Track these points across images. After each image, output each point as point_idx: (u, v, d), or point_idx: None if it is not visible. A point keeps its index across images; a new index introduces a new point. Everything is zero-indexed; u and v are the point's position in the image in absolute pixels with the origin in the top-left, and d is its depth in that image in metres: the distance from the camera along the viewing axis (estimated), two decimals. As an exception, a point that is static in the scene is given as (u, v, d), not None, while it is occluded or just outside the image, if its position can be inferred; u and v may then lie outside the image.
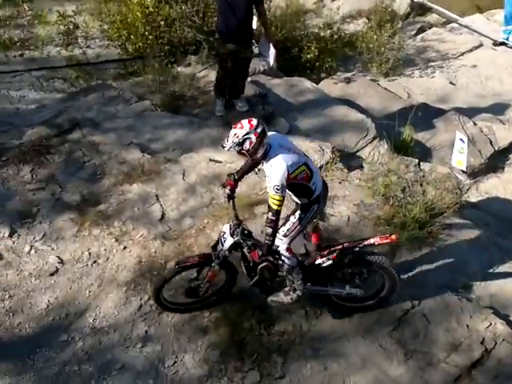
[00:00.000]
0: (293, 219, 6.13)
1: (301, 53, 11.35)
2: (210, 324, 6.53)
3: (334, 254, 6.26)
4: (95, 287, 6.84)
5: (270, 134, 5.88)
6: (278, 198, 5.73)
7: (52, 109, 9.31)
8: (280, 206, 5.78)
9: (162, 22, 10.57)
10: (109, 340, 6.40)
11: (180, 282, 6.62)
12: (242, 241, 6.13)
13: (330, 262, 6.27)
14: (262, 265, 6.18)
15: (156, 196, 7.87)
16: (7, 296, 6.73)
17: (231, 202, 6.27)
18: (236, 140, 5.71)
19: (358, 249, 6.30)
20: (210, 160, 8.41)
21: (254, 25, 8.93)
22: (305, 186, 5.99)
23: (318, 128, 9.29)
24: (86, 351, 6.29)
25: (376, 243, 6.29)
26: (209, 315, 6.59)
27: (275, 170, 5.72)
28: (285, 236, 6.14)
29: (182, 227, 7.51)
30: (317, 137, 8.96)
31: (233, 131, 5.76)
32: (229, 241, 6.14)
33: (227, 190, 6.34)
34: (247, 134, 5.69)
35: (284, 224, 6.15)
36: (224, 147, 5.80)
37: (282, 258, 6.20)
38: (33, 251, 7.19)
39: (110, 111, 9.28)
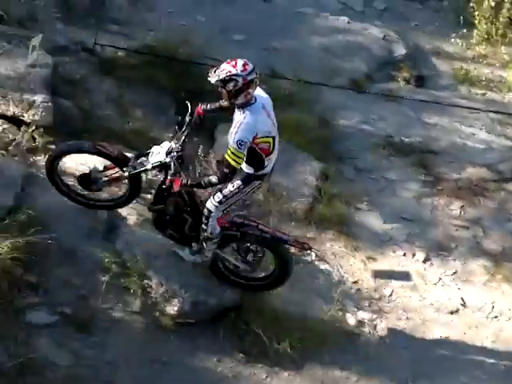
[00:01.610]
0: (231, 187, 5.71)
1: None
2: None
3: (242, 229, 5.98)
4: (489, 341, 6.72)
5: (262, 93, 5.57)
6: (238, 154, 5.37)
7: (498, 153, 9.31)
8: (238, 164, 5.44)
9: None
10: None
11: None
12: (172, 164, 5.65)
13: (236, 233, 6.01)
14: (171, 198, 5.86)
15: None
16: (404, 317, 6.99)
17: (189, 127, 5.84)
18: (222, 76, 5.29)
19: (267, 235, 5.96)
20: None
21: None
22: (260, 158, 5.62)
23: None
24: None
25: (288, 242, 6.05)
26: None
27: (246, 124, 5.36)
28: (220, 203, 5.77)
29: None
30: None
31: (224, 65, 5.35)
32: (159, 157, 5.68)
33: (190, 116, 5.86)
34: (236, 75, 5.27)
35: (221, 191, 5.75)
36: (209, 77, 5.40)
37: (209, 223, 5.84)
38: (440, 284, 7.35)
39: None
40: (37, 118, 6.85)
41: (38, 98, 6.89)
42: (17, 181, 6.34)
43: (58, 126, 6.96)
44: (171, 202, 5.94)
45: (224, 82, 5.32)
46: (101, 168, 6.08)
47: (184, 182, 5.68)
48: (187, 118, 5.87)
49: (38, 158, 6.78)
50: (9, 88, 6.93)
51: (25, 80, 7.04)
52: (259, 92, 5.58)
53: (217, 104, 5.94)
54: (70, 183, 6.33)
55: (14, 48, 7.38)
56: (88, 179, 6.07)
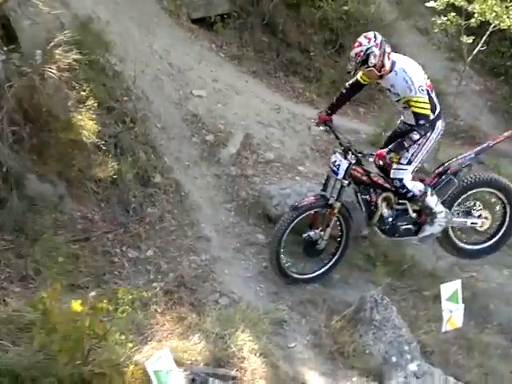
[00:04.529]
0: (416, 137, 5.60)
1: None
2: None
3: (452, 167, 5.90)
4: None
5: (396, 54, 5.71)
6: (424, 100, 5.46)
7: None
8: (429, 109, 5.50)
9: None
10: None
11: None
12: (358, 156, 5.75)
13: (450, 177, 5.88)
14: (382, 195, 5.83)
15: None
16: None
17: (332, 133, 6.01)
18: (359, 59, 5.49)
19: (473, 155, 5.91)
20: None
21: None
22: (430, 96, 5.63)
23: None
24: None
25: (491, 145, 5.95)
26: None
27: (413, 71, 5.50)
28: (409, 163, 5.75)
29: None
30: None
31: (353, 52, 5.54)
32: (344, 164, 5.69)
33: (322, 126, 6.05)
34: (368, 48, 5.45)
35: (407, 150, 5.69)
36: (349, 72, 5.64)
37: (409, 189, 5.81)
38: None
39: None
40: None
41: None
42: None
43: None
44: (382, 200, 5.97)
45: (365, 61, 5.55)
46: (311, 231, 6.01)
47: (386, 150, 5.75)
48: (322, 127, 6.17)
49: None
50: None
51: None
52: (396, 54, 5.83)
53: (330, 105, 6.12)
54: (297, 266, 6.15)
55: None
56: (312, 244, 6.01)
